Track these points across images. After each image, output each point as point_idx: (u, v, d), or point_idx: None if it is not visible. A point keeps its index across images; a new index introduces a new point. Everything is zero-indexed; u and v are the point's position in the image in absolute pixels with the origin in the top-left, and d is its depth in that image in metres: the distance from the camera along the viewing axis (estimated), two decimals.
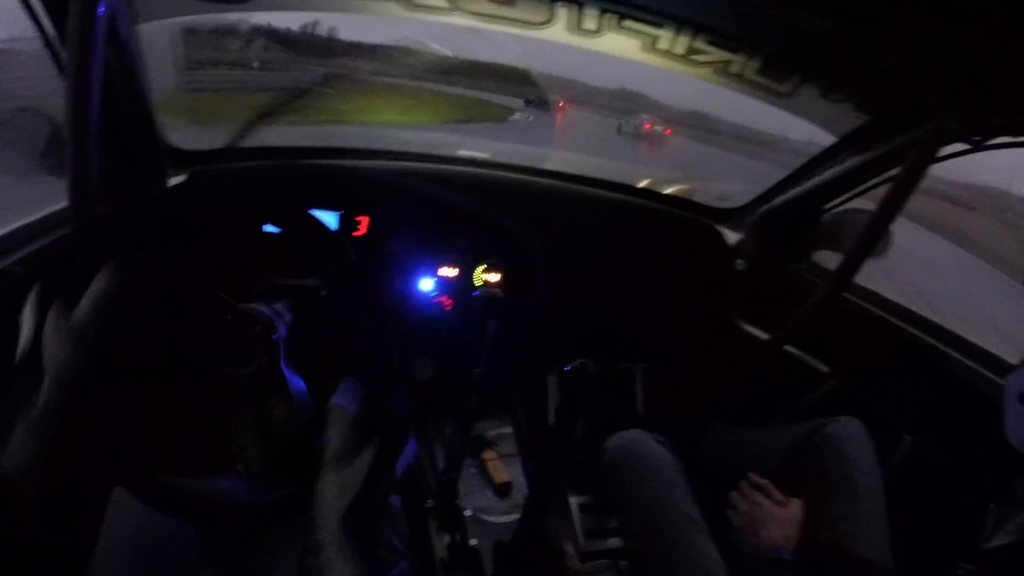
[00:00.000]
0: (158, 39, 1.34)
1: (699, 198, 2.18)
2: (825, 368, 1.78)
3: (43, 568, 1.10)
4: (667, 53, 1.45)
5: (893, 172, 1.49)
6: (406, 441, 0.86)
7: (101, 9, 0.92)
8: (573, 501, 1.73)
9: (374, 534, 0.77)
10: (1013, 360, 1.32)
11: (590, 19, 1.37)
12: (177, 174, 1.50)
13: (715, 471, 1.53)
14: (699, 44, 1.40)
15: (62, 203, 1.21)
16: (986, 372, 1.42)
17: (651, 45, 1.43)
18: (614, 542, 1.64)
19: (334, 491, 0.74)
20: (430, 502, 1.62)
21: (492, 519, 1.70)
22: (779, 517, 1.24)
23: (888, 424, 1.51)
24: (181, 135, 1.52)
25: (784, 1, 1.11)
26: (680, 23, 1.35)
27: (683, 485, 1.33)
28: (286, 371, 1.20)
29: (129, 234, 1.34)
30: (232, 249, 1.50)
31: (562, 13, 1.36)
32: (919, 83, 1.24)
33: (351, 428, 0.77)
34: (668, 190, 2.24)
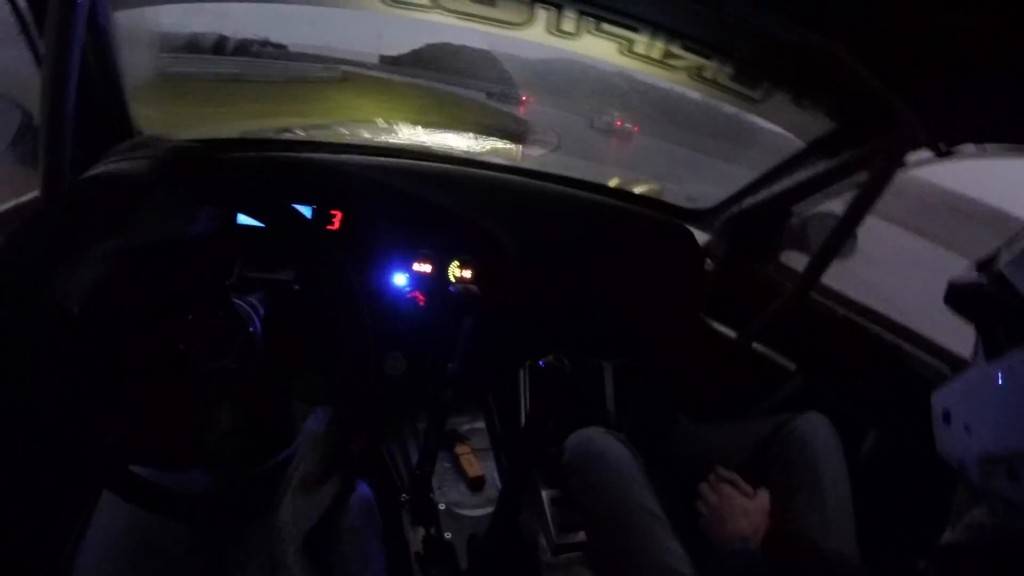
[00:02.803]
0: (134, 28, 1.32)
1: (669, 198, 2.21)
2: (792, 366, 1.83)
3: (27, 560, 1.09)
4: (643, 57, 1.47)
5: (860, 178, 1.53)
6: (365, 473, 0.87)
7: None
8: (545, 495, 1.74)
9: (335, 552, 0.78)
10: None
11: (568, 21, 1.39)
12: None
13: (683, 466, 1.56)
14: (674, 49, 1.42)
15: (34, 192, 1.19)
16: (947, 370, 1.47)
17: (628, 48, 1.45)
18: (585, 535, 1.67)
19: (297, 515, 0.75)
20: (404, 496, 1.63)
21: (466, 513, 1.71)
22: (747, 508, 1.27)
23: (853, 420, 1.56)
24: (154, 126, 1.50)
25: (757, 11, 1.14)
26: (656, 28, 1.36)
27: (641, 480, 1.35)
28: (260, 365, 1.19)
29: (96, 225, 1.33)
30: (205, 242, 1.49)
31: (541, 14, 1.37)
32: (887, 91, 1.28)
33: (320, 456, 0.78)
34: (639, 190, 2.27)
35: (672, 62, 1.48)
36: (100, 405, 0.99)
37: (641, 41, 1.42)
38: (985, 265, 0.85)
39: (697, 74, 1.52)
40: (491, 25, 1.43)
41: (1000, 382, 0.77)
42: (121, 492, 0.92)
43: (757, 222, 2.00)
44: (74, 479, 1.04)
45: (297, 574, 0.72)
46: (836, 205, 1.68)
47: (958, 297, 0.88)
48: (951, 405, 0.86)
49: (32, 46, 1.08)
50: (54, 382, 0.80)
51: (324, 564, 0.74)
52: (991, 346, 0.80)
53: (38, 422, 0.82)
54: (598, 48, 1.47)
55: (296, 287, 1.52)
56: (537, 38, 1.46)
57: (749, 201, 1.97)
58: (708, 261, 2.10)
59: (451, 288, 1.53)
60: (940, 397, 0.90)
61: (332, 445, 0.79)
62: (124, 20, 1.23)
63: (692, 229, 2.11)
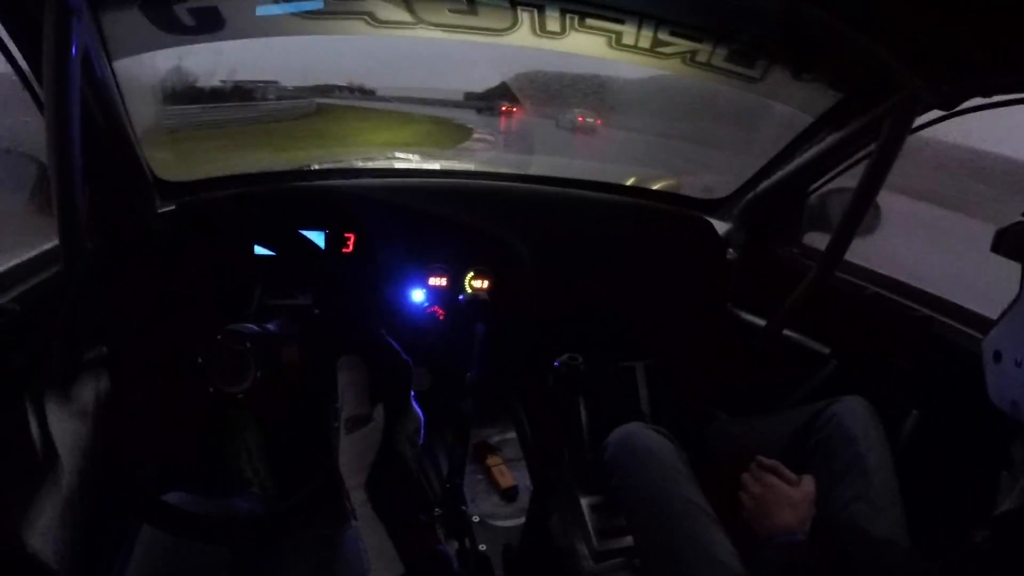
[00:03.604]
0: (135, 75, 1.37)
1: (685, 190, 2.18)
2: (826, 350, 1.77)
3: None
4: (633, 48, 1.47)
5: (872, 147, 1.49)
6: (409, 397, 0.88)
7: (74, 48, 0.95)
8: (584, 502, 1.72)
9: (402, 497, 0.79)
10: None
11: (552, 21, 1.39)
12: (165, 205, 1.53)
13: (722, 462, 1.52)
14: (663, 36, 1.42)
15: (53, 241, 1.24)
16: (983, 338, 1.40)
17: (616, 41, 1.45)
18: (627, 541, 1.63)
19: (356, 451, 0.76)
20: (437, 510, 1.62)
21: (500, 524, 1.70)
22: (792, 498, 1.23)
23: (893, 400, 1.49)
24: (167, 169, 1.55)
25: None
26: (641, 17, 1.36)
27: (686, 473, 1.33)
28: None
29: (121, 265, 1.38)
30: (224, 272, 1.53)
31: (525, 17, 1.38)
32: (886, 53, 1.25)
33: (361, 394, 0.79)
34: (656, 186, 2.25)
35: (663, 50, 1.47)
36: (133, 438, 1.02)
37: (629, 32, 1.42)
38: None
39: (691, 59, 1.50)
40: (477, 34, 1.44)
41: None
42: (158, 522, 0.94)
43: (775, 205, 1.96)
44: (114, 511, 1.07)
45: (368, 513, 0.72)
46: (853, 180, 1.63)
47: (1004, 241, 0.87)
48: (1001, 345, 0.86)
49: (35, 98, 1.13)
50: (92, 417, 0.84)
51: (388, 499, 0.75)
52: None
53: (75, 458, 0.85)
54: (586, 45, 1.47)
55: (316, 311, 1.55)
56: (524, 42, 1.46)
57: (764, 185, 1.93)
58: (730, 251, 2.07)
59: (461, 298, 1.54)
60: (990, 339, 0.90)
61: (368, 382, 0.81)
62: (122, 69, 1.28)
63: (711, 220, 2.08)
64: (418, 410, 0.90)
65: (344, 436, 0.79)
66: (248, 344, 1.33)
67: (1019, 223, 0.86)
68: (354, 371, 0.81)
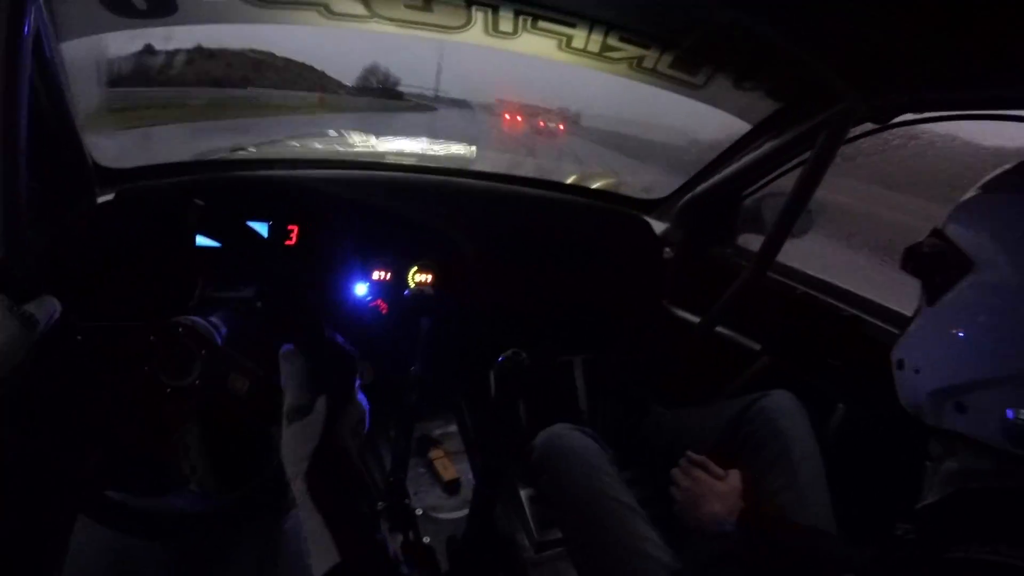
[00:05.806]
0: (81, 57, 1.32)
1: (624, 190, 2.24)
2: (757, 346, 1.85)
3: None
4: (582, 51, 1.51)
5: (807, 155, 1.56)
6: (353, 388, 0.88)
7: (27, 29, 0.91)
8: (523, 493, 1.75)
9: (342, 486, 0.79)
10: None
11: (506, 21, 1.41)
12: (104, 193, 1.49)
13: (657, 453, 1.57)
14: (612, 41, 1.46)
15: None
16: None
17: (566, 44, 1.48)
18: (561, 532, 1.67)
19: (296, 441, 0.76)
20: (380, 504, 1.62)
21: (443, 516, 1.71)
22: (719, 491, 1.28)
23: (821, 394, 1.58)
24: (107, 155, 1.50)
25: None
26: (592, 22, 1.40)
27: (611, 472, 1.36)
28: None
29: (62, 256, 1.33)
30: (166, 263, 1.49)
31: (479, 16, 1.40)
32: (824, 66, 1.31)
33: (302, 384, 0.79)
34: (595, 184, 2.30)
35: (611, 55, 1.51)
36: (72, 432, 0.99)
37: (579, 36, 1.45)
38: (934, 231, 0.90)
39: (637, 64, 1.54)
40: (431, 31, 1.45)
41: (937, 322, 0.84)
42: (98, 515, 0.92)
43: (712, 207, 2.04)
44: (49, 506, 1.04)
45: (307, 503, 0.73)
46: (789, 185, 1.71)
47: (909, 259, 0.93)
48: (903, 354, 0.91)
49: None
50: (27, 413, 0.81)
51: (327, 489, 0.75)
52: (931, 294, 0.86)
53: (12, 452, 0.83)
54: (537, 46, 1.50)
55: (258, 304, 1.52)
56: (477, 40, 1.48)
57: (701, 187, 2.00)
58: (667, 249, 2.14)
59: (406, 292, 1.54)
60: (896, 349, 0.95)
61: (310, 371, 0.81)
62: (70, 50, 1.24)
63: (649, 219, 2.15)
64: (363, 400, 0.90)
65: (285, 426, 0.79)
66: (185, 336, 1.31)
67: (920, 243, 0.92)
68: (295, 361, 0.81)
